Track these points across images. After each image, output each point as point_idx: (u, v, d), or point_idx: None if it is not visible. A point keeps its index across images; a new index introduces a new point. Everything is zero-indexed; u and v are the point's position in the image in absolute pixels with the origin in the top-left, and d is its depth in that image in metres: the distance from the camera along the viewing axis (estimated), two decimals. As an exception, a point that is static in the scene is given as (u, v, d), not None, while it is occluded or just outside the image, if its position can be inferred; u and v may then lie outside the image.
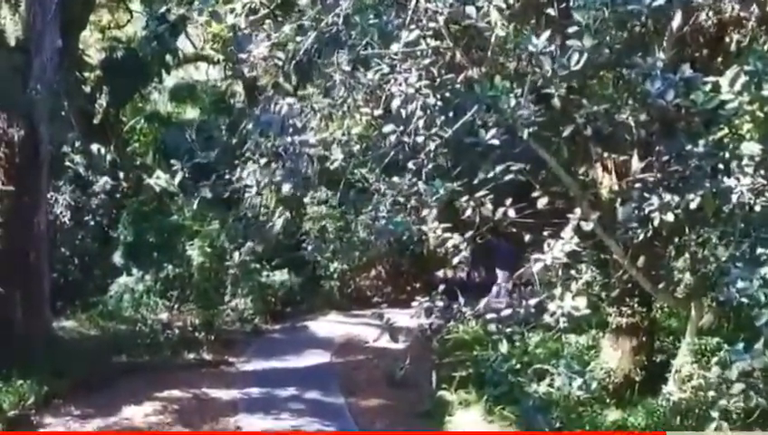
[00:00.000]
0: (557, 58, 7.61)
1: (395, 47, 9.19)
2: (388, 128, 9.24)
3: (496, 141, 8.56)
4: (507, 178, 10.70)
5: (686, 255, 12.45)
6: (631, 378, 15.21)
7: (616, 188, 12.80)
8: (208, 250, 19.36)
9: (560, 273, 10.40)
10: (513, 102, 8.12)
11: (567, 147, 11.24)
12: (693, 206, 9.20)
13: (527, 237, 11.80)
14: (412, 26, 9.17)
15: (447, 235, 10.97)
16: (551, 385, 15.54)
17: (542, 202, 10.86)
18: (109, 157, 21.35)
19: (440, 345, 18.63)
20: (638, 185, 9.88)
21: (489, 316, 11.43)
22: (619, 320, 15.22)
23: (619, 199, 12.18)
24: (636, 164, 12.20)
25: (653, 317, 15.60)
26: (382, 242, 19.94)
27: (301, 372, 17.58)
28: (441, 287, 12.03)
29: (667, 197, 9.48)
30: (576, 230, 10.26)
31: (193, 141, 22.92)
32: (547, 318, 10.25)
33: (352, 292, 22.03)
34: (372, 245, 21.13)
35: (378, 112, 10.10)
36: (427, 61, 9.21)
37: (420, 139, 9.14)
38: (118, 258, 18.41)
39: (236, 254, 18.37)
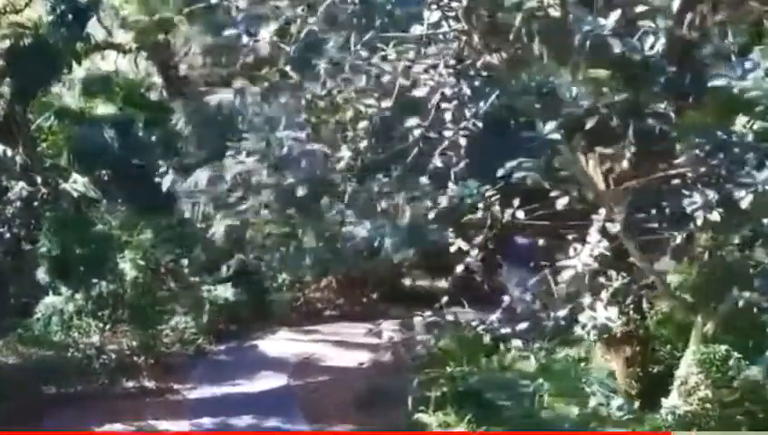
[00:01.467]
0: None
1: (417, 29, 8.88)
2: (411, 121, 8.92)
3: (557, 136, 8.33)
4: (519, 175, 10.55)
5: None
6: (628, 392, 15.20)
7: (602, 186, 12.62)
8: (142, 263, 18.61)
9: (586, 280, 10.26)
10: (575, 91, 7.91)
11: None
12: (745, 204, 9.14)
13: (541, 242, 11.65)
14: (434, 6, 8.87)
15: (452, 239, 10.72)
16: (541, 405, 15.76)
17: (561, 203, 10.71)
18: (19, 159, 20.28)
19: (411, 361, 18.49)
20: (675, 181, 9.76)
21: (504, 331, 11.24)
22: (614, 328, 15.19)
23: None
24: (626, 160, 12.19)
25: (646, 325, 15.66)
26: (349, 249, 19.82)
27: (256, 397, 17.06)
28: (445, 299, 11.78)
29: (711, 193, 9.44)
30: (602, 232, 10.14)
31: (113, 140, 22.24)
32: (579, 331, 10.10)
33: (302, 305, 21.59)
34: (325, 252, 20.98)
35: (387, 104, 9.77)
36: (453, 45, 8.93)
37: (449, 133, 8.85)
38: (42, 275, 17.47)
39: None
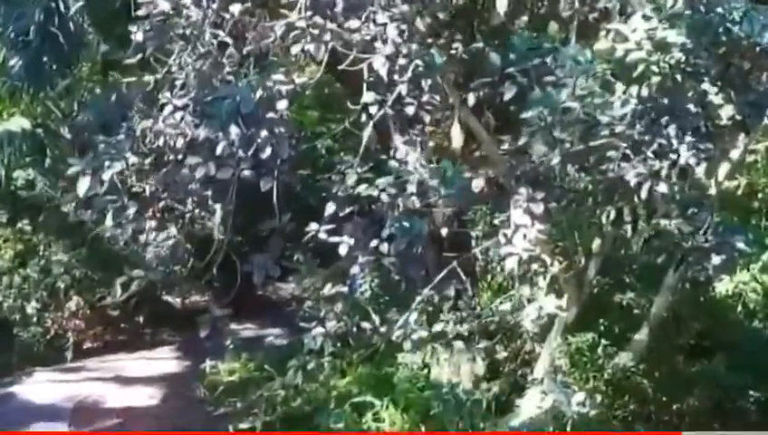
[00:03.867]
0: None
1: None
2: (368, 96, 8.99)
3: (575, 104, 8.74)
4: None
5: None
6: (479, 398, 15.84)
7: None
8: None
9: (515, 268, 10.75)
10: (589, 55, 8.37)
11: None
12: (700, 171, 10.06)
13: (444, 231, 12.01)
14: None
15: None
16: (377, 419, 16.17)
17: (477, 184, 11.17)
18: None
19: (210, 392, 18.23)
20: (611, 153, 10.50)
21: (416, 336, 11.47)
22: (459, 328, 15.80)
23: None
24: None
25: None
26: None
27: (40, 457, 16.01)
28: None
29: (658, 163, 10.29)
30: (529, 213, 10.70)
31: None
32: (526, 324, 10.58)
33: (56, 339, 20.45)
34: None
35: (302, 80, 9.78)
36: (404, 8, 9.13)
37: (411, 109, 9.03)
38: None
39: None
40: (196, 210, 12.12)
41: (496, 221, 11.07)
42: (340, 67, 9.37)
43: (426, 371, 16.67)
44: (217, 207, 14.35)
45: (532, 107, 9.76)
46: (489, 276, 17.21)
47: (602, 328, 15.45)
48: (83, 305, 21.07)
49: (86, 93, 20.77)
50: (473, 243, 15.01)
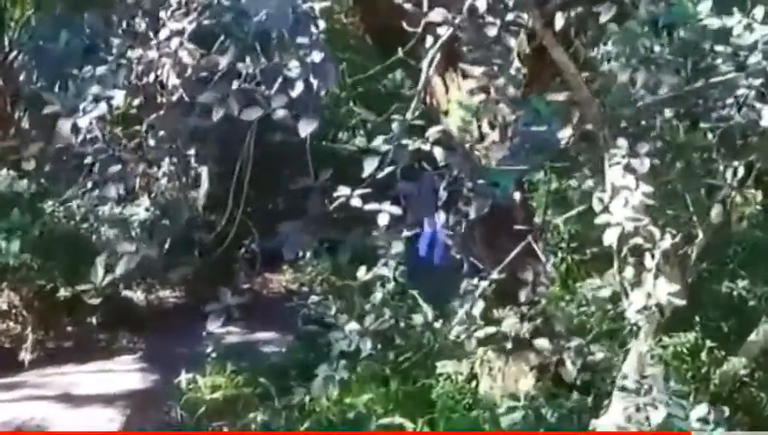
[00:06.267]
0: None
1: None
2: (437, 14, 8.78)
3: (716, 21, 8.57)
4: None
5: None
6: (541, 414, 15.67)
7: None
8: None
9: (614, 244, 10.50)
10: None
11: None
12: None
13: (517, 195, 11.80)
14: None
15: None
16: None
17: (564, 134, 10.97)
18: None
19: (188, 413, 18.02)
20: (741, 91, 10.30)
21: (482, 333, 11.28)
22: (519, 327, 15.57)
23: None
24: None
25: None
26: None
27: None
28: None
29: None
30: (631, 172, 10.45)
31: None
32: (632, 315, 10.35)
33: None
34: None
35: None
36: None
37: (492, 31, 8.81)
38: None
39: None
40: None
41: (572, 183, 10.83)
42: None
43: (473, 384, 16.42)
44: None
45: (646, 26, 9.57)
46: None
47: (706, 326, 15.21)
48: (19, 304, 20.78)
49: (20, 29, 20.61)
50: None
